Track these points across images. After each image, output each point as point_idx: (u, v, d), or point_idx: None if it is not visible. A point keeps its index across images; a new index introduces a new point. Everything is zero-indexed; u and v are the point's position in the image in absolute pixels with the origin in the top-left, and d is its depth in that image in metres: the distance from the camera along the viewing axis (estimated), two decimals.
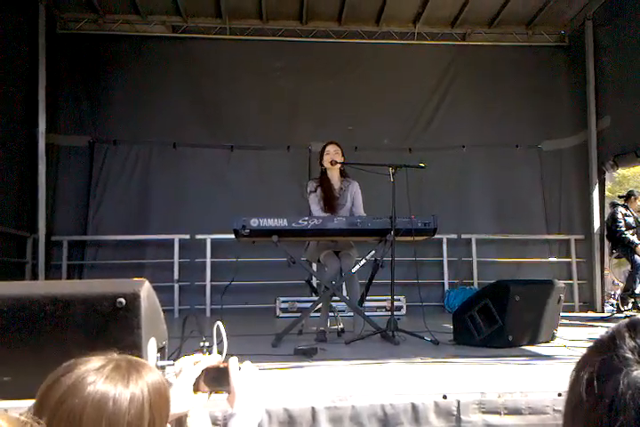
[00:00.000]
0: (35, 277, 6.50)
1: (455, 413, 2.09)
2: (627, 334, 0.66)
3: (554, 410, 2.13)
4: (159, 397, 1.01)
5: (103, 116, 7.34)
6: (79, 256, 7.11)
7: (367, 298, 4.48)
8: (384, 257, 4.11)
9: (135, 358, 1.08)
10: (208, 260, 6.96)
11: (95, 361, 1.00)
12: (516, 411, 2.12)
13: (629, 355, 0.64)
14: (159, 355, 2.00)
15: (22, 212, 6.60)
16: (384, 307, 6.30)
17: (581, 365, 0.69)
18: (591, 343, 0.72)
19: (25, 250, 6.62)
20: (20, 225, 6.48)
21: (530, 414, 2.12)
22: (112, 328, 1.80)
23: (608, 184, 8.03)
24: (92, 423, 0.92)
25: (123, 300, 1.81)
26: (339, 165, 4.43)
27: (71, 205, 7.18)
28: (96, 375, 0.96)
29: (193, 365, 1.39)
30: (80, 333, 1.78)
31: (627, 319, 0.70)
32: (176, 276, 6.97)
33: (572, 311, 6.94)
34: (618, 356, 0.64)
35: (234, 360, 1.40)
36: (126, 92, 7.36)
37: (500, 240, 7.54)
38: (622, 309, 6.40)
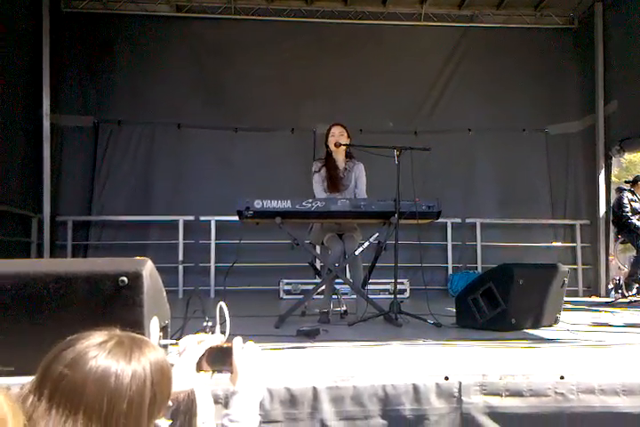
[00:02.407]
0: (40, 256, 6.54)
1: (456, 394, 2.09)
2: None
3: (555, 393, 2.13)
4: (161, 375, 1.01)
5: (108, 97, 7.30)
6: (84, 236, 7.14)
7: (371, 281, 4.48)
8: (388, 240, 4.10)
9: (138, 335, 1.07)
10: (212, 241, 6.98)
11: (97, 336, 1.00)
12: (517, 393, 2.13)
13: None
14: (162, 334, 2.00)
15: (27, 192, 6.61)
16: (387, 290, 6.32)
17: None
18: None
19: (30, 230, 6.64)
20: (25, 205, 6.50)
21: (531, 396, 2.13)
22: (114, 307, 1.80)
23: (615, 170, 7.97)
24: (94, 398, 0.92)
25: (125, 278, 1.81)
26: (344, 147, 4.41)
27: (76, 186, 7.18)
28: (98, 350, 0.96)
29: (196, 344, 1.40)
30: (83, 311, 1.78)
31: None
32: (180, 257, 7.00)
33: (576, 296, 6.94)
34: None
35: (238, 340, 1.41)
36: (131, 72, 7.31)
37: (504, 225, 7.52)
38: (627, 294, 6.39)
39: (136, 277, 1.83)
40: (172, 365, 1.30)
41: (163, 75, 7.31)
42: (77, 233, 7.07)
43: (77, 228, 7.08)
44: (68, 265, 1.98)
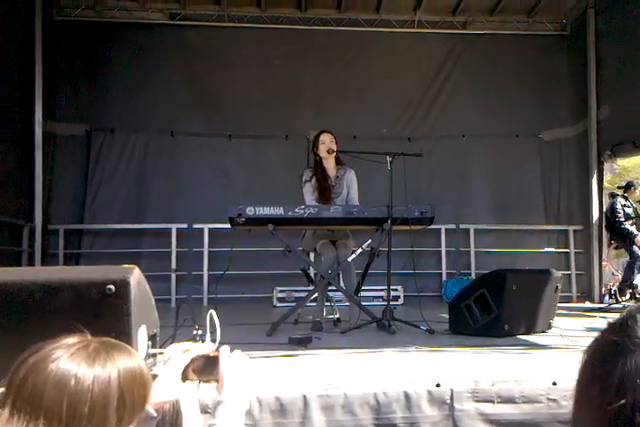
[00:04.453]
0: (31, 265, 6.47)
1: (448, 401, 2.08)
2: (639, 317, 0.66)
3: (548, 399, 2.12)
4: (132, 380, 0.99)
5: (101, 105, 7.28)
6: (76, 245, 7.09)
7: (364, 288, 4.47)
8: (381, 246, 4.09)
9: (115, 341, 1.06)
10: (205, 249, 6.94)
11: (64, 341, 0.99)
12: (509, 400, 2.11)
13: None
14: (150, 343, 1.98)
15: (19, 200, 6.56)
16: (381, 297, 6.29)
17: (592, 348, 0.69)
18: (603, 328, 0.72)
19: (22, 238, 6.59)
20: (16, 214, 6.45)
21: (523, 402, 2.11)
22: (101, 315, 1.78)
23: (608, 176, 8.00)
24: (54, 402, 0.91)
25: (112, 286, 1.79)
26: (334, 154, 4.40)
27: (68, 194, 7.14)
28: (60, 354, 0.95)
29: (182, 353, 1.38)
30: (69, 319, 1.75)
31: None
32: (173, 265, 6.95)
33: (570, 302, 6.94)
34: (630, 337, 0.64)
35: (225, 349, 1.39)
36: (124, 80, 7.30)
37: (498, 230, 7.52)
38: (620, 299, 6.40)
39: (123, 286, 1.81)
40: (156, 375, 1.28)
41: (156, 82, 7.30)
42: (69, 242, 7.02)
43: (69, 236, 7.03)
44: (55, 273, 1.96)
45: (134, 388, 0.98)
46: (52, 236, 6.93)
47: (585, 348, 0.70)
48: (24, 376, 0.92)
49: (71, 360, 0.94)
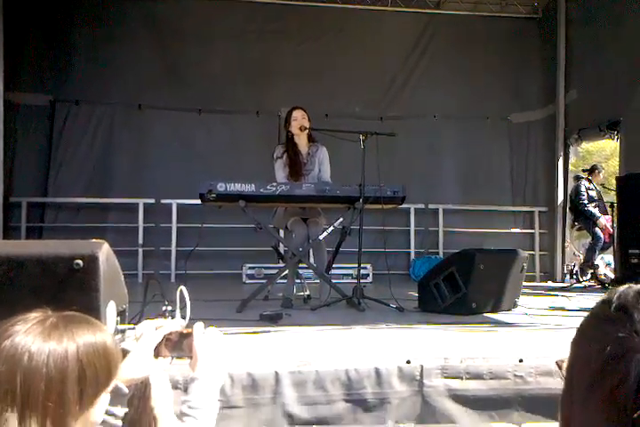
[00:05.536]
0: None
1: (418, 377, 2.11)
2: None
3: (514, 375, 2.17)
4: (93, 354, 0.96)
5: (66, 75, 7.03)
6: (39, 218, 6.90)
7: (334, 266, 4.49)
8: (352, 225, 4.10)
9: (78, 314, 1.02)
10: (174, 225, 6.85)
11: (22, 317, 0.96)
12: (477, 376, 2.16)
13: None
14: (119, 319, 1.95)
15: None
16: (351, 275, 6.33)
17: (590, 340, 0.66)
18: (593, 315, 0.68)
19: None
20: None
21: (491, 378, 2.16)
22: (68, 291, 1.73)
23: (572, 159, 8.11)
24: (6, 378, 0.88)
25: (80, 261, 1.74)
26: (307, 131, 4.35)
27: (31, 166, 6.92)
28: (16, 330, 0.92)
29: (154, 329, 1.35)
30: (35, 295, 1.71)
31: (631, 288, 0.66)
32: (140, 240, 6.85)
33: (533, 281, 7.11)
34: (638, 332, 0.61)
35: (199, 325, 1.37)
36: (90, 51, 7.06)
37: (466, 210, 7.62)
38: (581, 279, 6.59)
39: (92, 261, 1.76)
40: (126, 351, 1.26)
41: (124, 54, 7.07)
42: (32, 215, 6.83)
43: (32, 209, 6.84)
44: (20, 247, 1.90)
45: (96, 361, 0.96)
46: (15, 208, 6.73)
47: (577, 339, 0.67)
48: None
49: (25, 336, 0.91)
